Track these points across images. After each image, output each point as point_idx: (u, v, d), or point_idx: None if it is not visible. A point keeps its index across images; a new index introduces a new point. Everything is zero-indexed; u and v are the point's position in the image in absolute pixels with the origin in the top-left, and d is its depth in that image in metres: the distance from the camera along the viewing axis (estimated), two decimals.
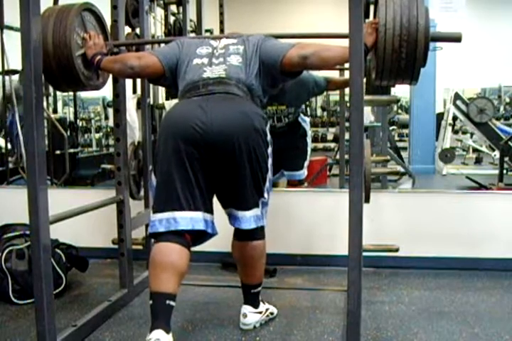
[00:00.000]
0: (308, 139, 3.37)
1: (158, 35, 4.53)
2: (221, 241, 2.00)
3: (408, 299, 2.45)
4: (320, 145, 9.29)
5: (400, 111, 9.51)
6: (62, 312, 2.24)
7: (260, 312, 2.12)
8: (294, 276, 2.78)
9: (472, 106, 6.24)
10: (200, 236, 1.88)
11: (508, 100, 9.18)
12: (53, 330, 1.67)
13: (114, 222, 2.35)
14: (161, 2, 4.08)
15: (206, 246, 1.97)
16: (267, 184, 1.94)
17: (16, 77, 4.11)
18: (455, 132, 7.66)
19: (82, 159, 6.00)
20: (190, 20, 3.60)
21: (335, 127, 8.01)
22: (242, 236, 2.00)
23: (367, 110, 5.19)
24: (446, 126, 6.77)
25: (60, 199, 2.10)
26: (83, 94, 7.59)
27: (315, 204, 2.97)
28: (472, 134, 7.17)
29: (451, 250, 2.85)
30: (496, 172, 5.42)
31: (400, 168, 4.85)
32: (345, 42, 1.53)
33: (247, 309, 2.09)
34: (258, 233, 2.00)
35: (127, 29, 2.64)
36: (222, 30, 3.75)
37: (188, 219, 1.80)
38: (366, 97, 2.26)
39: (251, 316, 2.09)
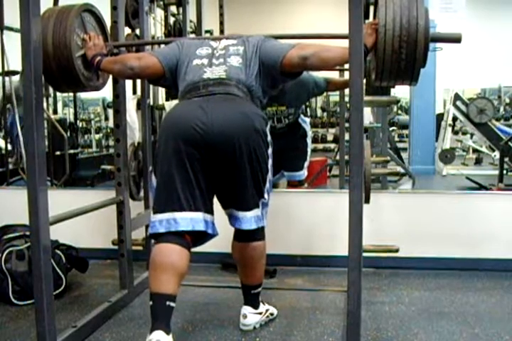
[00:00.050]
0: (309, 140, 3.37)
1: (158, 36, 4.54)
2: (221, 242, 2.00)
3: (408, 299, 2.45)
4: (320, 145, 9.30)
5: (399, 111, 9.52)
6: (62, 313, 2.24)
7: (260, 313, 2.12)
8: (294, 277, 2.78)
9: (472, 107, 6.25)
10: (201, 236, 1.88)
11: (508, 100, 9.18)
12: (53, 331, 1.67)
13: (114, 222, 2.35)
14: (161, 3, 4.09)
15: (206, 247, 1.97)
16: (267, 185, 1.94)
17: (15, 78, 4.11)
18: (455, 133, 7.67)
19: (82, 160, 6.00)
20: (190, 21, 3.60)
21: (335, 128, 8.02)
22: (243, 236, 2.00)
23: (366, 111, 5.19)
24: (446, 126, 6.77)
25: (60, 200, 2.11)
26: (83, 95, 7.59)
27: (315, 204, 2.97)
28: (472, 135, 7.17)
29: (451, 250, 2.85)
30: (496, 172, 5.43)
31: (399, 169, 4.85)
32: (345, 43, 1.53)
33: (247, 310, 2.09)
34: (258, 234, 2.00)
35: (127, 30, 2.64)
36: (222, 31, 3.76)
37: (189, 219, 1.80)
38: (366, 98, 2.26)
39: (251, 317, 2.09)
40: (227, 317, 2.20)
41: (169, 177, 1.81)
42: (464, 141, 7.86)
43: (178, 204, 1.80)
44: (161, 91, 4.33)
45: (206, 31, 3.86)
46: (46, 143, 3.99)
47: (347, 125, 3.44)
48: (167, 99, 4.07)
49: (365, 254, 1.57)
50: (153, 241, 1.93)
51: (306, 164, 3.36)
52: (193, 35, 3.60)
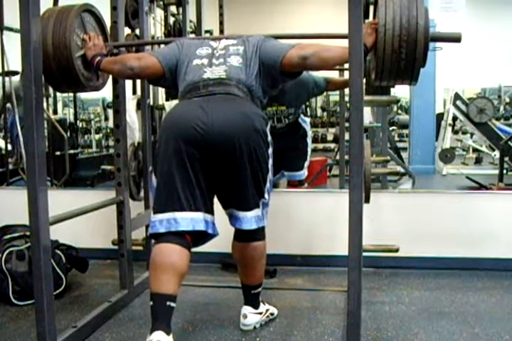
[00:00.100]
0: (309, 140, 3.37)
1: (158, 36, 4.54)
2: (221, 242, 2.00)
3: (408, 299, 2.45)
4: (320, 145, 9.30)
5: (399, 111, 9.51)
6: (63, 313, 2.24)
7: (260, 313, 2.12)
8: (294, 277, 2.78)
9: (472, 107, 6.24)
10: (201, 236, 1.88)
11: (508, 100, 9.18)
12: (53, 331, 1.67)
13: (114, 222, 2.35)
14: (161, 3, 4.09)
15: (206, 247, 1.97)
16: (268, 184, 1.94)
17: (16, 78, 4.11)
18: (455, 132, 7.66)
19: (82, 160, 6.00)
20: (190, 21, 3.60)
21: (335, 127, 8.01)
22: (243, 236, 2.00)
23: (366, 111, 5.19)
24: (446, 126, 6.77)
25: (60, 200, 2.11)
26: (83, 95, 7.60)
27: (315, 204, 2.97)
28: (472, 134, 7.17)
29: (451, 250, 2.85)
30: (496, 172, 5.43)
31: (399, 169, 4.85)
32: (345, 43, 1.53)
33: (247, 310, 2.09)
34: (259, 234, 2.00)
35: (127, 30, 2.64)
36: (221, 31, 3.76)
37: (189, 219, 1.80)
38: (366, 98, 2.26)
39: (251, 317, 2.09)
40: (228, 317, 2.20)
41: (169, 177, 1.81)
42: (464, 141, 7.86)
43: (179, 204, 1.80)
44: (161, 92, 4.33)
45: (206, 31, 3.86)
46: (46, 143, 4.00)
47: (347, 125, 3.44)
48: (167, 99, 4.07)
49: (365, 254, 1.56)
50: (153, 241, 1.93)
51: (306, 164, 3.36)
52: (192, 35, 3.60)
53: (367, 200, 2.26)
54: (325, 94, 8.01)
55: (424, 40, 1.75)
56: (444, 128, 6.85)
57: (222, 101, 1.86)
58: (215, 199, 1.94)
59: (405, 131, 8.47)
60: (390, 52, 1.77)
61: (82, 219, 2.09)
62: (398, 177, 5.45)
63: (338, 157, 4.53)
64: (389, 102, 3.07)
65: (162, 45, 2.24)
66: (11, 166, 4.30)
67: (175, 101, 2.33)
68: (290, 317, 2.22)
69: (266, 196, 1.94)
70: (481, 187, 5.19)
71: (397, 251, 2.40)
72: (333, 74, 3.36)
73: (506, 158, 5.51)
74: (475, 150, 7.63)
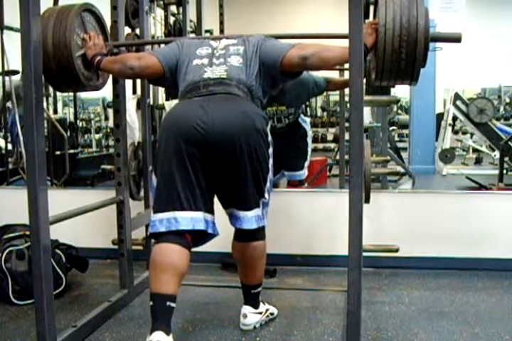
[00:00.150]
0: (309, 140, 3.37)
1: (158, 36, 4.54)
2: (221, 242, 2.00)
3: (408, 299, 2.45)
4: (320, 145, 9.30)
5: (399, 111, 9.51)
6: (62, 312, 2.24)
7: (260, 313, 2.12)
8: (294, 277, 2.78)
9: (472, 107, 6.24)
10: (201, 236, 1.88)
11: (508, 100, 9.18)
12: (53, 331, 1.67)
13: (114, 222, 2.35)
14: (161, 2, 4.09)
15: (206, 247, 1.97)
16: (268, 184, 1.94)
17: (16, 77, 4.11)
18: (455, 132, 7.66)
19: (82, 160, 6.00)
20: (190, 21, 3.60)
21: (335, 127, 8.01)
22: (243, 236, 2.00)
23: (365, 111, 5.18)
24: (446, 126, 6.77)
25: (60, 199, 2.11)
26: (83, 95, 7.59)
27: (315, 204, 2.97)
28: (472, 134, 7.17)
29: (451, 250, 2.85)
30: (496, 172, 5.43)
31: (399, 169, 4.85)
32: (345, 43, 1.53)
33: (247, 309, 2.09)
34: (259, 233, 2.00)
35: (127, 29, 2.64)
36: (222, 31, 3.76)
37: (189, 219, 1.80)
38: (366, 98, 2.26)
39: (251, 316, 2.09)
40: (228, 316, 2.20)
41: (169, 176, 1.81)
42: (463, 141, 7.86)
43: (179, 203, 1.80)
44: (161, 91, 4.33)
45: (206, 31, 3.87)
46: (46, 142, 3.99)
47: (347, 124, 3.44)
48: (167, 99, 4.07)
49: (365, 254, 1.56)
50: (153, 240, 1.93)
51: (306, 164, 3.36)
52: (193, 35, 3.60)
53: (367, 200, 2.26)
54: (325, 94, 8.01)
55: (425, 40, 1.75)
56: (444, 128, 6.85)
57: (223, 100, 1.86)
58: (215, 199, 1.95)
59: (405, 131, 8.47)
60: (390, 52, 1.77)
61: (82, 218, 2.09)
62: (398, 177, 5.45)
63: (338, 157, 4.53)
64: (389, 102, 3.07)
65: (162, 45, 2.24)
66: (11, 166, 4.30)
67: (175, 101, 2.33)
68: (290, 317, 2.22)
69: (266, 196, 1.94)
70: (481, 187, 5.19)
71: (397, 251, 2.40)
72: (333, 74, 3.36)
73: (506, 158, 5.51)
74: (475, 150, 7.63)
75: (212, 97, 1.87)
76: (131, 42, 2.67)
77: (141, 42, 2.54)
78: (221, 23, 3.77)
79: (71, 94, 6.40)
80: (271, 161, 1.93)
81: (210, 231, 1.85)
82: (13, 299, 2.36)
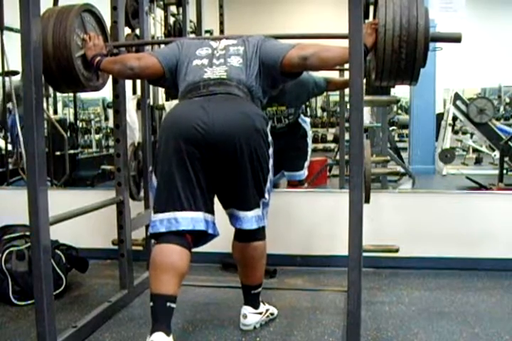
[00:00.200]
0: (309, 140, 3.37)
1: (158, 36, 4.54)
2: (221, 242, 2.00)
3: (408, 299, 2.45)
4: (320, 145, 9.30)
5: (399, 111, 9.52)
6: (63, 313, 2.24)
7: (260, 313, 2.12)
8: (294, 277, 2.78)
9: (472, 107, 6.25)
10: (201, 236, 1.88)
11: (508, 100, 9.18)
12: (53, 331, 1.67)
13: (114, 222, 2.35)
14: (161, 3, 4.08)
15: (206, 247, 1.97)
16: (268, 184, 1.94)
17: (16, 78, 4.11)
18: (455, 132, 7.66)
19: (82, 160, 6.00)
20: (190, 21, 3.60)
21: (335, 128, 8.02)
22: (243, 236, 2.00)
23: (365, 111, 5.18)
24: (446, 126, 6.77)
25: (60, 200, 2.11)
26: (83, 95, 7.59)
27: (315, 204, 2.97)
28: (472, 134, 7.17)
29: (451, 250, 2.85)
30: (496, 172, 5.43)
31: (399, 169, 4.85)
32: (345, 43, 1.53)
33: (247, 310, 2.09)
34: (259, 233, 2.00)
35: (127, 30, 2.64)
36: (222, 31, 3.76)
37: (189, 219, 1.80)
38: (366, 98, 2.27)
39: (251, 317, 2.09)
40: (228, 317, 2.20)
41: (170, 176, 1.81)
42: (463, 141, 7.86)
43: (179, 203, 1.80)
44: (161, 91, 4.33)
45: (206, 31, 3.87)
46: (46, 143, 3.99)
47: (347, 125, 3.44)
48: (167, 99, 4.07)
49: (365, 254, 1.56)
50: (153, 241, 1.93)
51: (306, 164, 3.36)
52: (192, 35, 3.60)
53: (367, 200, 2.26)
54: (325, 94, 8.00)
55: (425, 40, 1.75)
56: (444, 128, 6.85)
57: (223, 101, 1.86)
58: (216, 199, 1.95)
59: (405, 131, 8.48)
60: (390, 53, 1.77)
61: (82, 219, 2.09)
62: (398, 178, 5.45)
63: (338, 157, 4.53)
64: (389, 102, 3.07)
65: (162, 45, 2.24)
66: (11, 166, 4.30)
67: (175, 101, 2.33)
68: (290, 317, 2.22)
69: (266, 196, 1.94)
70: (481, 187, 5.19)
71: (397, 251, 2.40)
72: (333, 75, 3.36)
73: (506, 158, 5.51)
74: (475, 150, 7.64)
75: (212, 97, 1.87)
76: (131, 42, 2.67)
77: (141, 43, 2.54)
78: (221, 23, 3.77)
79: (71, 94, 6.40)
80: (271, 161, 1.93)
81: (210, 231, 1.85)
82: (13, 299, 2.36)
